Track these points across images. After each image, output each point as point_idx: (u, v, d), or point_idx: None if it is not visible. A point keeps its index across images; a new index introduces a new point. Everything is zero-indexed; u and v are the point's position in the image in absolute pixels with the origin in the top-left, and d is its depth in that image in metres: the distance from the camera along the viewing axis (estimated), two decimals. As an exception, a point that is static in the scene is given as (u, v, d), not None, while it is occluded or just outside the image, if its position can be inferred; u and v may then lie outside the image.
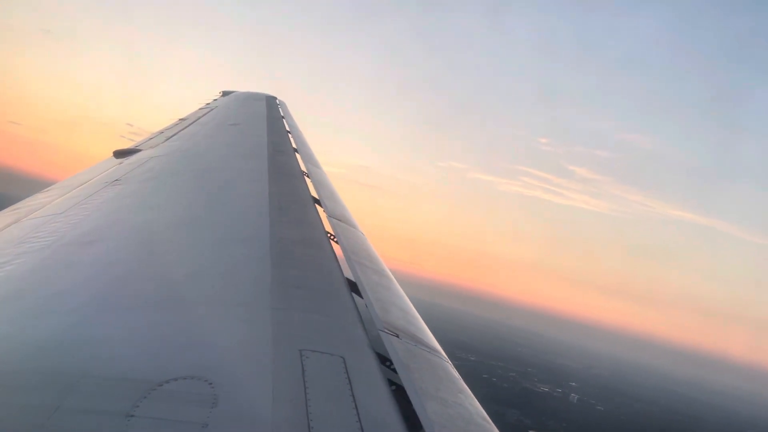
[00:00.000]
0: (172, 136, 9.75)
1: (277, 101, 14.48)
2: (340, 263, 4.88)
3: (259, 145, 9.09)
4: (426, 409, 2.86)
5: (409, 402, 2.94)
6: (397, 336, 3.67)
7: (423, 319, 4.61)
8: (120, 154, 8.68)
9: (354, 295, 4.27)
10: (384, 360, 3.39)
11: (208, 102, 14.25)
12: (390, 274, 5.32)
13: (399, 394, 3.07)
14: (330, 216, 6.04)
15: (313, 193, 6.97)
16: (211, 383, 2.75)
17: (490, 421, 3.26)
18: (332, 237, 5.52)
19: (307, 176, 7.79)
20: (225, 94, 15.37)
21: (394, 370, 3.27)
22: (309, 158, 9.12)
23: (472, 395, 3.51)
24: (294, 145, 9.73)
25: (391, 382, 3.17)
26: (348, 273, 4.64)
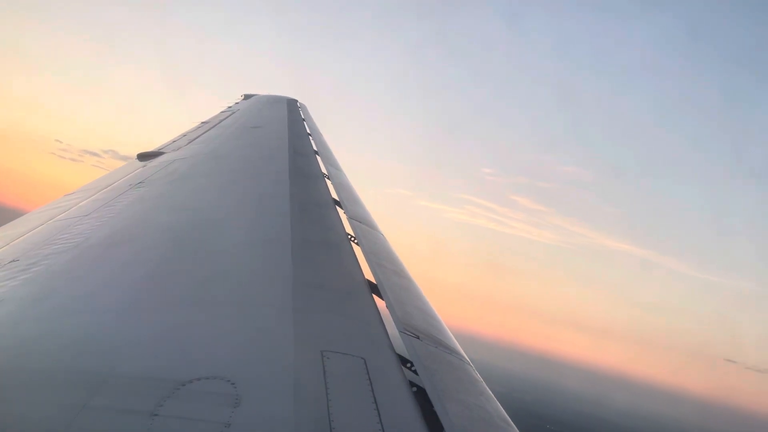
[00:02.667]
0: (195, 139, 9.86)
1: (298, 104, 14.57)
2: (361, 265, 4.89)
3: (280, 148, 9.15)
4: (447, 411, 2.86)
5: (430, 404, 2.94)
6: (418, 338, 3.66)
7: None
8: (144, 156, 8.80)
9: (374, 296, 4.28)
10: (405, 362, 3.39)
11: (230, 105, 14.38)
12: (410, 275, 5.31)
13: (420, 395, 3.07)
14: (350, 218, 6.06)
15: (334, 195, 6.99)
16: (233, 383, 2.77)
17: (512, 423, 3.24)
18: (352, 238, 5.53)
19: (328, 178, 7.82)
20: (246, 97, 15.49)
21: (415, 372, 3.27)
22: (329, 160, 9.15)
23: (494, 397, 3.49)
24: (315, 148, 9.78)
25: (412, 384, 3.17)
26: (368, 274, 4.65)
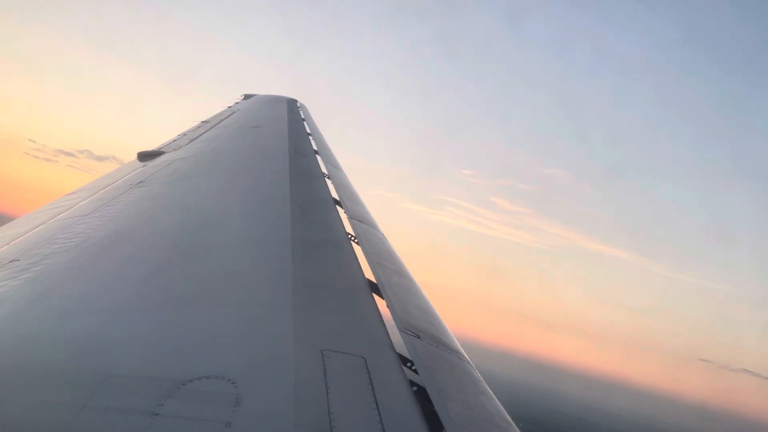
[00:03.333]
0: (195, 139, 9.85)
1: (298, 104, 14.55)
2: (361, 264, 4.89)
3: (280, 148, 9.15)
4: (448, 410, 2.85)
5: (430, 403, 2.94)
6: (419, 337, 3.66)
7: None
8: (144, 156, 8.79)
9: (375, 295, 4.28)
10: (405, 361, 3.39)
11: (230, 105, 14.37)
12: (411, 275, 5.31)
13: (420, 395, 3.06)
14: (350, 217, 6.06)
15: (334, 195, 6.99)
16: (234, 382, 2.77)
17: (512, 422, 3.24)
18: (353, 238, 5.53)
19: (328, 178, 7.82)
20: (247, 97, 15.48)
21: (416, 371, 3.27)
22: (329, 160, 9.14)
23: (494, 397, 3.49)
24: (315, 147, 9.77)
25: (412, 383, 3.17)
26: (369, 274, 4.65)
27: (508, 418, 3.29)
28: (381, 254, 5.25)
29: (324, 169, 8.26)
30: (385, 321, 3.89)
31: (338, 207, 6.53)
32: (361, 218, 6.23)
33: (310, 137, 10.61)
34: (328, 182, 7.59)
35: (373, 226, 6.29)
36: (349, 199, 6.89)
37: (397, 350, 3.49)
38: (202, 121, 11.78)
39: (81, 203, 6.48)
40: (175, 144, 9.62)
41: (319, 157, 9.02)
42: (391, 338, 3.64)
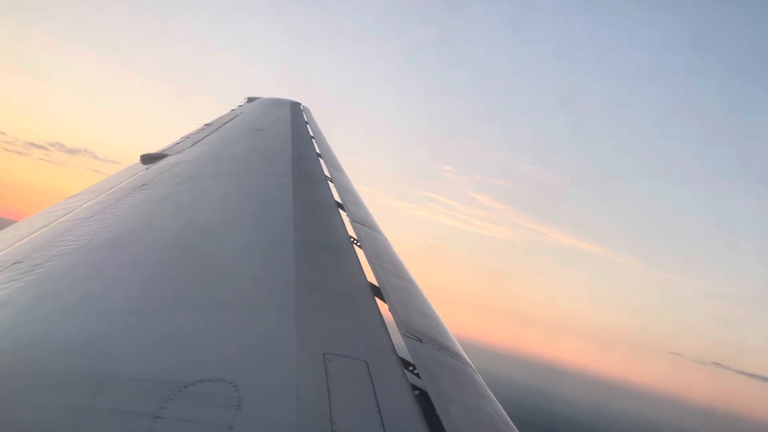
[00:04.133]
0: (198, 141, 9.88)
1: (301, 107, 14.58)
2: (363, 267, 4.90)
3: (283, 151, 9.17)
4: (449, 414, 2.85)
5: (432, 407, 2.94)
6: (421, 341, 3.66)
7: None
8: (147, 159, 8.82)
9: (377, 299, 4.28)
10: (407, 365, 3.39)
11: (233, 108, 14.40)
12: (413, 278, 5.31)
13: (422, 398, 3.06)
14: (353, 220, 6.06)
15: (337, 198, 7.00)
16: (235, 385, 2.78)
17: (514, 426, 3.24)
18: (355, 241, 5.54)
19: (331, 181, 7.83)
20: (250, 100, 15.50)
21: (418, 375, 3.27)
22: (332, 163, 9.15)
23: (496, 400, 3.49)
24: (318, 150, 9.79)
25: (414, 387, 3.17)
26: (371, 277, 4.65)
27: (510, 421, 3.29)
28: (383, 257, 5.25)
29: (327, 172, 8.27)
30: (387, 324, 3.89)
31: (341, 210, 6.54)
32: (363, 221, 6.23)
33: (313, 140, 10.63)
34: (331, 185, 7.60)
35: (375, 230, 6.29)
36: (351, 203, 6.90)
37: (399, 354, 3.49)
38: (205, 124, 11.81)
39: (84, 205, 6.50)
40: (178, 147, 9.65)
41: (321, 160, 9.03)
42: (393, 342, 3.64)
